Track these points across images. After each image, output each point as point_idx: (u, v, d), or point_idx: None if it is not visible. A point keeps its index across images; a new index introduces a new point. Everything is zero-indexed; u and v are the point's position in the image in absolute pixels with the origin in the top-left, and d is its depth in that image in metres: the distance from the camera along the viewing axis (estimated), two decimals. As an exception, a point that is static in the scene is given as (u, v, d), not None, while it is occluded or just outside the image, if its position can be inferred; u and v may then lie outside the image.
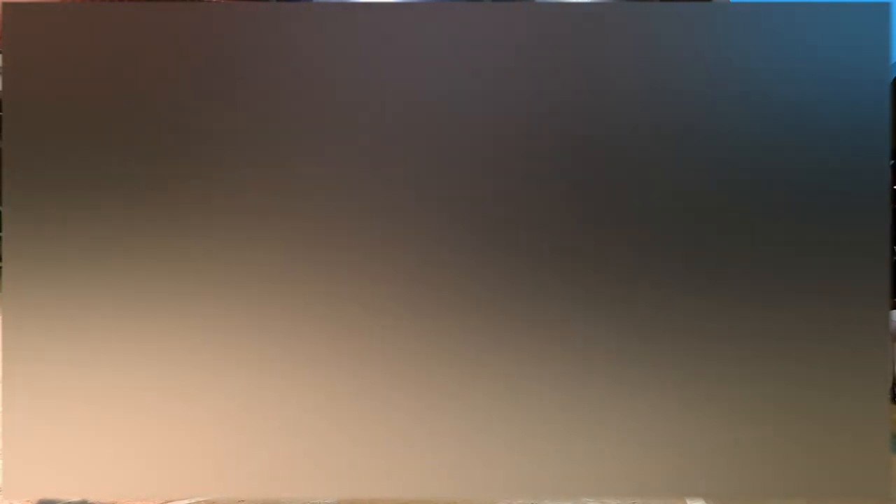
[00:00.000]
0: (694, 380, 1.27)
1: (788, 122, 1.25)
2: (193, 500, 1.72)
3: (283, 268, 1.27)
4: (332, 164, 1.27)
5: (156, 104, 1.26)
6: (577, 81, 1.26)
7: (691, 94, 1.25)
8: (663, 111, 1.25)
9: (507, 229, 1.26)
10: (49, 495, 1.28)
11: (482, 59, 1.26)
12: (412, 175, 1.27)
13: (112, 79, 1.26)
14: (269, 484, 1.28)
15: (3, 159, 1.25)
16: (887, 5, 1.25)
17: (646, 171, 1.26)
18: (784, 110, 1.25)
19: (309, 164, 1.27)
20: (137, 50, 1.26)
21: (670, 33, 1.25)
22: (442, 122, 1.26)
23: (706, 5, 1.23)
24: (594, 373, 1.27)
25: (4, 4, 1.19)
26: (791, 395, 1.27)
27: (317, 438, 1.28)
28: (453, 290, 1.26)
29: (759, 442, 1.27)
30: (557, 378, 1.27)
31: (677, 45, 1.25)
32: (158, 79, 1.26)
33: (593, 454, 1.27)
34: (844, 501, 1.61)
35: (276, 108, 1.27)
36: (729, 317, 1.26)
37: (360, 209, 1.27)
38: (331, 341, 1.28)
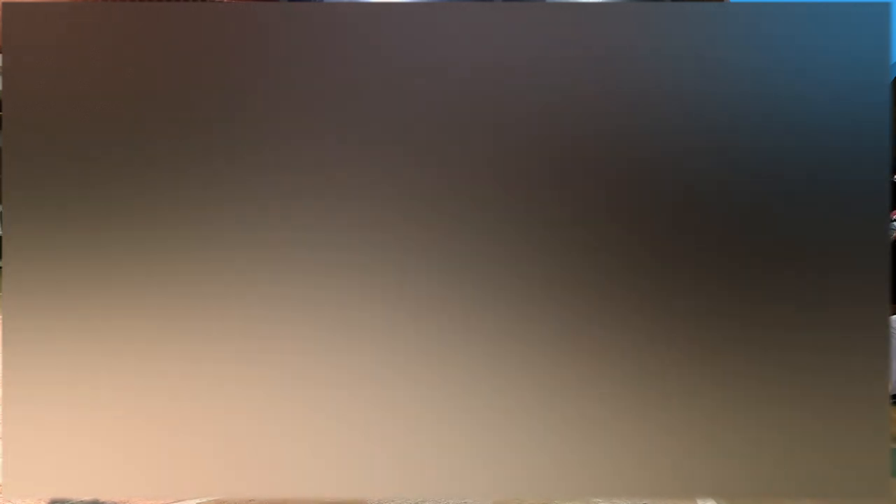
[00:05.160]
0: (700, 382, 1.27)
1: (786, 123, 1.25)
2: (203, 500, 1.72)
3: (291, 268, 1.27)
4: (339, 165, 1.27)
5: (157, 105, 1.26)
6: (577, 81, 1.26)
7: (689, 94, 1.25)
8: (660, 111, 1.25)
9: (517, 230, 1.26)
10: (51, 494, 1.28)
11: (495, 60, 1.26)
12: (419, 176, 1.27)
13: (113, 79, 1.26)
14: (279, 483, 1.28)
15: (3, 159, 1.25)
16: (887, 5, 1.24)
17: (644, 171, 1.26)
18: (782, 110, 1.25)
19: (316, 166, 1.27)
20: (139, 50, 1.26)
21: (667, 33, 1.25)
22: (451, 124, 1.26)
23: (706, 5, 1.23)
24: (604, 373, 1.27)
25: (4, 4, 1.19)
26: (796, 397, 1.27)
27: (327, 438, 1.28)
28: (463, 289, 1.27)
29: (765, 443, 1.27)
30: (567, 378, 1.27)
31: (675, 45, 1.25)
32: (160, 79, 1.26)
33: (603, 455, 1.27)
34: (846, 501, 1.61)
35: (282, 109, 1.27)
36: (732, 319, 1.26)
37: (367, 209, 1.27)
38: (341, 341, 1.28)
